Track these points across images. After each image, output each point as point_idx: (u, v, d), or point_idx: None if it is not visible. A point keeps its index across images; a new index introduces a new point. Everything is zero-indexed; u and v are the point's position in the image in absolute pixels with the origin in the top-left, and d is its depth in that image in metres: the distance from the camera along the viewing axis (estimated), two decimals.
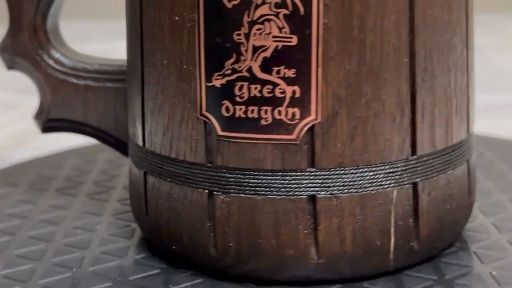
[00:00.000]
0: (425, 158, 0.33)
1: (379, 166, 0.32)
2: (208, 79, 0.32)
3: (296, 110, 0.31)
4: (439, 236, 0.34)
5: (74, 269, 0.35)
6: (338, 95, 0.31)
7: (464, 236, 0.37)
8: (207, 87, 0.32)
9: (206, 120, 0.32)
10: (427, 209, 0.33)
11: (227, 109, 0.32)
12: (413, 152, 0.33)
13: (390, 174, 0.32)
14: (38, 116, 0.40)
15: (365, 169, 0.32)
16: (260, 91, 0.31)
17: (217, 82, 0.32)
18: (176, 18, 0.32)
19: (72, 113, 0.40)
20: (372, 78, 0.31)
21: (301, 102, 0.31)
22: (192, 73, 0.32)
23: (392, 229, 0.33)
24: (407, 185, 0.33)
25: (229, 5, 0.31)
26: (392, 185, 0.32)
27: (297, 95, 0.31)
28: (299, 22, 0.30)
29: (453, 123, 0.34)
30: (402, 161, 0.32)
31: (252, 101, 0.31)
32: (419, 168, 0.33)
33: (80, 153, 0.52)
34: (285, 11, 0.30)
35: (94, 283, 0.33)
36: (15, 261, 0.36)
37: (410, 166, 0.33)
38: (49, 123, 0.40)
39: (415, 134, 0.33)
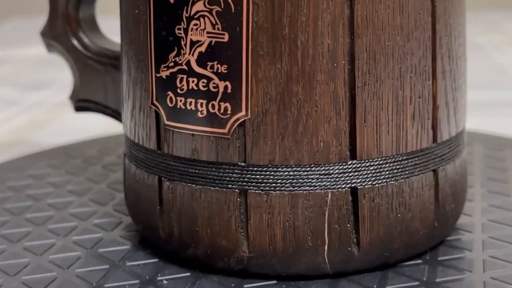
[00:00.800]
0: (367, 163, 0.32)
1: (312, 167, 0.32)
2: (157, 70, 0.33)
3: (228, 105, 0.32)
4: (387, 245, 0.33)
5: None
6: (268, 93, 0.31)
7: (441, 248, 0.36)
8: (156, 77, 0.34)
9: (156, 109, 0.34)
10: (370, 215, 0.33)
11: (171, 100, 0.33)
12: (353, 156, 0.32)
13: (325, 176, 0.32)
14: (71, 96, 0.44)
15: (296, 169, 0.32)
16: (197, 85, 0.32)
17: (163, 74, 0.33)
18: (136, 11, 0.34)
19: (95, 95, 0.43)
20: (304, 78, 0.31)
21: (233, 98, 0.32)
22: (146, 64, 0.34)
23: (326, 232, 0.32)
24: (344, 189, 0.32)
25: (172, 0, 0.32)
26: (327, 187, 0.32)
27: (229, 90, 0.32)
28: (230, 19, 0.31)
29: (407, 130, 0.33)
30: (339, 164, 0.32)
31: (190, 93, 0.32)
32: (360, 173, 0.32)
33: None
34: (217, 8, 0.31)
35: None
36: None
37: (349, 170, 0.32)
38: (79, 103, 0.44)
39: (355, 138, 0.32)
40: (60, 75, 0.80)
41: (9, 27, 1.18)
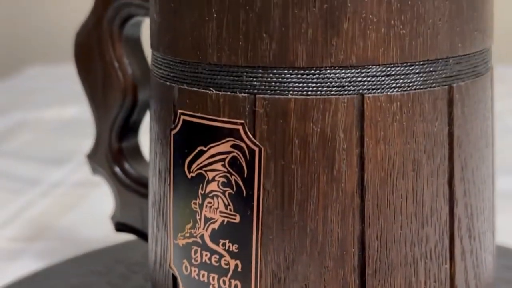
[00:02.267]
0: None
1: None
2: (175, 237, 0.34)
3: (238, 283, 0.32)
4: None
5: None
6: (277, 275, 0.32)
7: None
8: (174, 243, 0.34)
9: (173, 272, 0.35)
10: None
11: (186, 268, 0.34)
12: None
13: None
14: (112, 217, 0.45)
15: None
16: (209, 259, 0.33)
17: (180, 242, 0.34)
18: (159, 180, 0.35)
19: (133, 220, 0.44)
20: (313, 264, 0.31)
21: (243, 276, 0.32)
22: (167, 227, 0.35)
23: None
24: None
25: (189, 176, 0.33)
26: None
27: (239, 269, 0.32)
28: (242, 202, 0.32)
29: None
30: None
31: (203, 266, 0.33)
32: None
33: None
34: (230, 191, 0.32)
35: None
36: None
37: None
38: (119, 225, 0.45)
39: None
40: (80, 143, 0.78)
41: (28, 76, 1.17)
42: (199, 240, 0.33)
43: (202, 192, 0.33)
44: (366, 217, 0.31)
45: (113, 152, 0.44)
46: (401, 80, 0.31)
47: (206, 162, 0.32)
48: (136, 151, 0.45)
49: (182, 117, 0.33)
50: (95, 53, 0.43)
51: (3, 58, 1.33)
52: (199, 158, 0.32)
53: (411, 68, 0.31)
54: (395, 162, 0.31)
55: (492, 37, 0.35)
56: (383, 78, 0.30)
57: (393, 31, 0.30)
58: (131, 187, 0.44)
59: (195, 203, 0.33)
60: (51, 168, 0.74)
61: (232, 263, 0.32)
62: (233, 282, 0.32)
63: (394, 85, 0.31)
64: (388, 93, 0.31)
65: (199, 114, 0.32)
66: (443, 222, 0.32)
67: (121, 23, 0.41)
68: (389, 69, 0.30)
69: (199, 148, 0.32)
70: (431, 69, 0.31)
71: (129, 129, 0.44)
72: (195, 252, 0.33)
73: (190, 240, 0.33)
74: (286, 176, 0.31)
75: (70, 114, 0.94)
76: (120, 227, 0.46)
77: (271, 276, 0.32)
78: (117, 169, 0.44)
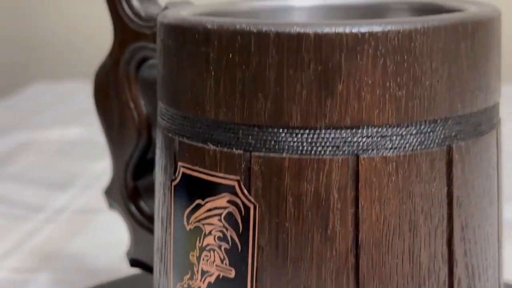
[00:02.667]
0: None
1: None
2: (174, 285, 0.34)
3: None
4: None
5: None
6: None
7: None
8: None
9: None
10: None
11: None
12: None
13: None
14: (127, 252, 0.46)
15: None
16: None
17: None
18: (161, 228, 0.35)
19: (147, 257, 0.45)
20: None
21: None
22: (168, 274, 0.35)
23: None
24: None
25: (187, 228, 0.33)
26: None
27: None
28: (237, 258, 0.32)
29: None
30: None
31: None
32: None
33: None
34: (225, 246, 0.32)
35: None
36: None
37: None
38: (133, 261, 0.46)
39: None
40: (85, 165, 0.78)
41: (31, 94, 1.15)
42: None
43: (200, 245, 0.33)
44: (361, 277, 0.31)
45: (128, 190, 0.45)
46: (397, 141, 0.30)
47: (203, 216, 0.33)
48: (150, 189, 0.46)
49: (182, 169, 0.33)
50: (112, 93, 0.44)
51: (5, 75, 1.31)
52: (197, 211, 0.33)
53: (407, 129, 0.30)
54: (390, 223, 0.31)
55: (499, 92, 0.34)
56: (378, 139, 0.30)
57: (389, 93, 0.30)
58: (144, 225, 0.44)
59: (193, 255, 0.33)
60: (55, 193, 0.72)
61: None
62: None
63: (389, 146, 0.30)
64: (384, 154, 0.30)
65: (197, 168, 0.32)
66: (442, 283, 0.32)
67: (137, 65, 0.42)
68: (384, 130, 0.30)
69: (197, 201, 0.33)
70: (428, 129, 0.31)
71: (144, 167, 0.44)
72: None
73: None
74: (280, 233, 0.31)
75: (74, 135, 0.92)
76: (134, 263, 0.46)
77: None
78: (132, 207, 0.45)
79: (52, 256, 0.58)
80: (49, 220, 0.66)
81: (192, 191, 0.33)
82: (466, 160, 0.32)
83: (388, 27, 0.30)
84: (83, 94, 1.04)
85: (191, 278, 0.33)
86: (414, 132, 0.31)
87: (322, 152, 0.30)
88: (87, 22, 1.27)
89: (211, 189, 0.32)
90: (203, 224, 0.33)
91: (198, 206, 0.33)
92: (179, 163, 0.33)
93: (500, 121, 0.35)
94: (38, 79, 1.24)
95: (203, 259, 0.33)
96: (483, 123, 0.33)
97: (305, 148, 0.30)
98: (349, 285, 0.31)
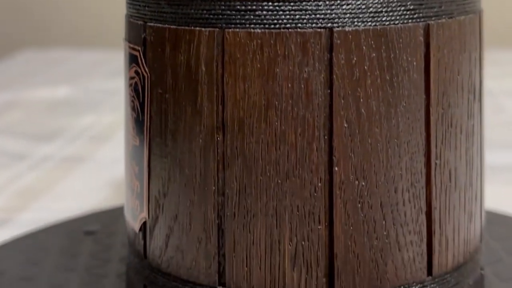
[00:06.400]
0: None
1: (186, 283, 0.32)
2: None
3: (138, 203, 0.34)
4: None
5: None
6: (158, 201, 0.33)
7: None
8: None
9: None
10: None
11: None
12: (222, 283, 0.31)
13: None
14: None
15: (175, 280, 0.32)
16: (130, 178, 0.35)
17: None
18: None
19: None
20: (181, 195, 0.32)
21: (140, 198, 0.34)
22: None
23: None
24: None
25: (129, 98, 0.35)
26: None
27: (138, 190, 0.34)
28: (139, 127, 0.33)
29: (285, 271, 0.30)
30: (209, 287, 0.32)
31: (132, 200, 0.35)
32: None
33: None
34: (135, 115, 0.33)
35: None
36: None
37: None
38: None
39: (224, 265, 0.31)
40: (69, 123, 0.77)
41: (19, 60, 1.13)
42: None
43: (129, 113, 0.35)
44: (226, 157, 0.30)
45: None
46: (266, 17, 0.29)
47: (127, 86, 0.34)
48: None
49: (129, 50, 0.35)
50: None
51: None
52: (128, 82, 0.35)
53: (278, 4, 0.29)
54: (255, 103, 0.30)
55: None
56: (244, 13, 0.29)
57: None
58: None
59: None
60: (40, 144, 0.71)
61: (135, 184, 0.34)
62: (136, 202, 0.34)
63: (257, 21, 0.29)
64: (249, 29, 0.29)
65: (127, 43, 0.34)
66: (315, 170, 0.30)
67: None
68: (251, 3, 0.29)
69: (129, 74, 0.35)
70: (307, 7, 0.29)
71: None
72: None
73: None
74: (163, 104, 0.32)
75: (62, 94, 0.91)
76: None
77: (155, 201, 0.33)
78: None
79: (35, 198, 0.58)
80: (33, 167, 0.65)
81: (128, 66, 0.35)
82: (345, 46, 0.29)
83: None
84: (72, 60, 1.06)
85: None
86: (285, 8, 0.29)
87: (194, 24, 0.30)
88: None
89: (129, 60, 0.34)
90: (129, 95, 0.34)
91: (128, 78, 0.35)
92: (128, 44, 0.35)
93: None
94: (26, 46, 1.23)
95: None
96: None
97: (180, 19, 0.30)
98: (215, 163, 0.31)
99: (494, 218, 0.50)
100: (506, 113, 0.76)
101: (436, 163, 0.31)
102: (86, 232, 0.49)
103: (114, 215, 0.50)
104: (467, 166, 0.32)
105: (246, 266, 0.31)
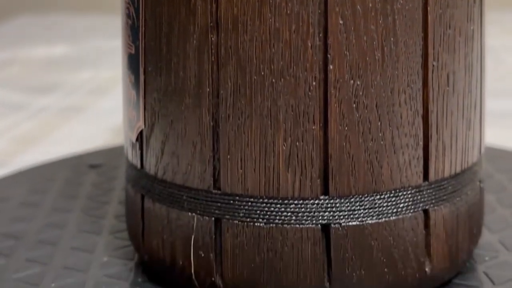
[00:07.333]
0: (230, 198, 0.31)
1: (181, 189, 0.32)
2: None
3: (135, 113, 0.34)
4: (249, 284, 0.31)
5: None
6: (153, 108, 0.32)
7: None
8: None
9: None
10: (232, 251, 0.31)
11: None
12: (217, 186, 0.31)
13: (192, 200, 0.32)
14: None
15: (171, 187, 0.32)
16: (126, 89, 0.35)
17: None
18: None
19: None
20: (175, 99, 0.31)
21: (136, 108, 0.33)
22: None
23: (192, 256, 0.32)
24: (207, 218, 0.31)
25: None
26: (193, 211, 0.32)
27: (135, 99, 0.34)
28: (135, 33, 0.33)
29: (280, 173, 0.30)
30: (204, 191, 0.31)
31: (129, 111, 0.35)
32: (222, 205, 0.31)
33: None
34: (130, 22, 0.33)
35: None
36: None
37: (213, 199, 0.31)
38: None
39: (219, 169, 0.31)
40: (67, 77, 0.76)
41: (17, 25, 1.12)
42: None
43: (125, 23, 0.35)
44: (220, 57, 0.30)
45: None
46: None
47: None
48: None
49: None
50: None
51: None
52: None
53: None
54: (249, 0, 0.29)
55: None
56: None
57: None
58: None
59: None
60: (37, 96, 0.72)
61: (132, 94, 0.34)
62: (132, 112, 0.34)
63: None
64: None
65: None
66: (309, 69, 0.29)
67: None
68: None
69: None
70: None
71: None
72: None
73: None
74: (157, 7, 0.31)
75: (60, 52, 0.92)
76: None
77: (150, 108, 0.33)
78: None
79: (34, 143, 0.58)
80: (32, 116, 0.66)
81: None
82: None
83: None
84: (71, 24, 1.06)
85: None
86: None
87: None
88: None
89: None
90: (125, 3, 0.34)
91: None
92: None
93: None
94: (24, 12, 1.20)
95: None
96: None
97: None
98: (210, 64, 0.30)
99: (499, 153, 0.50)
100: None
101: (433, 65, 0.30)
102: (91, 165, 0.50)
103: (118, 151, 0.51)
104: (466, 71, 0.32)
105: (241, 169, 0.31)
